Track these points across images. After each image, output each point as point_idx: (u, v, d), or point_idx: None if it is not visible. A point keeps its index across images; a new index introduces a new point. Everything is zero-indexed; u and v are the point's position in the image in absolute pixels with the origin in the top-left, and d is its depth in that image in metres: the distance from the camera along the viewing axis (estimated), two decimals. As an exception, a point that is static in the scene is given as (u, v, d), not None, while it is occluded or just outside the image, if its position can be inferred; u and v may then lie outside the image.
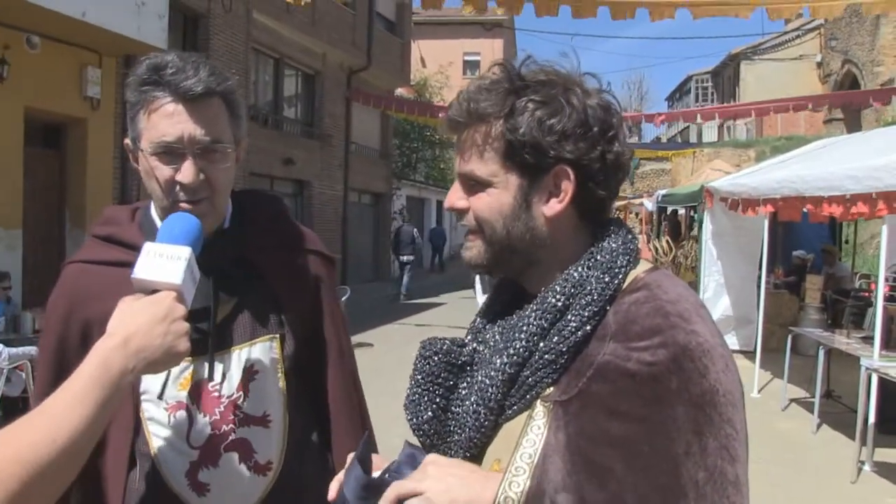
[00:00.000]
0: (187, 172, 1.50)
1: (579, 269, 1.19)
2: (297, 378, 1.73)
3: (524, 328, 1.18)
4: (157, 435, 1.61)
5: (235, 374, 1.63)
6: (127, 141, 1.59)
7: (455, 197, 1.26)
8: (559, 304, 1.17)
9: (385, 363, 10.83)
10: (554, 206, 1.20)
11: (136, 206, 1.74)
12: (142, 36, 10.19)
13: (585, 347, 1.14)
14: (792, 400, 8.55)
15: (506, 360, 1.17)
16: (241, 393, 1.63)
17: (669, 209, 18.46)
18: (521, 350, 1.17)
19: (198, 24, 14.66)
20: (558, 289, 1.18)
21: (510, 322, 1.24)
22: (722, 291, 11.13)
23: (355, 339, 12.56)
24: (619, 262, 1.19)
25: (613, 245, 1.21)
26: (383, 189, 24.37)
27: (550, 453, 1.09)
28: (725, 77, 44.00)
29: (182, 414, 1.61)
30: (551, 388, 1.15)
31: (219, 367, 1.60)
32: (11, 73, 9.59)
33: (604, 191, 1.21)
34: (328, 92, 20.02)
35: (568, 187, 1.19)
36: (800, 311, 11.54)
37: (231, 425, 1.62)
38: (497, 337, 1.25)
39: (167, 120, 1.49)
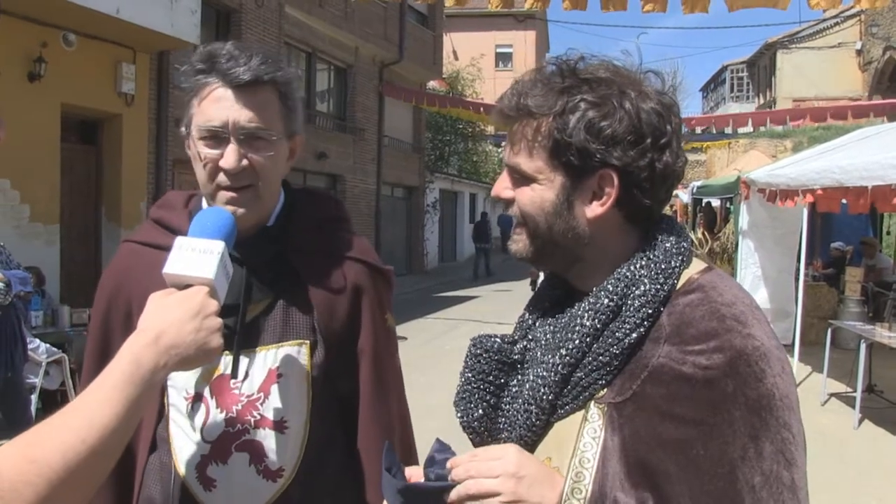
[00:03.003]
0: (230, 157, 1.49)
1: (631, 268, 1.18)
2: (326, 389, 1.65)
3: (577, 328, 1.17)
4: (175, 422, 1.60)
5: (258, 375, 1.59)
6: (182, 128, 1.59)
7: (501, 186, 1.26)
8: (612, 304, 1.15)
9: (418, 356, 10.84)
10: (595, 209, 1.18)
11: (194, 192, 1.72)
12: (175, 32, 10.28)
13: (639, 349, 1.13)
14: (832, 394, 8.39)
15: (558, 360, 1.17)
16: (261, 394, 1.59)
17: (704, 201, 18.23)
18: (574, 351, 1.16)
19: (230, 18, 14.75)
20: (611, 288, 1.17)
21: (562, 321, 1.23)
22: (759, 284, 10.93)
23: (388, 332, 12.59)
24: (672, 263, 1.17)
25: (667, 245, 1.19)
26: (416, 182, 24.37)
27: (608, 457, 1.10)
28: (761, 66, 43.34)
29: (200, 406, 1.58)
30: (605, 390, 1.14)
31: (242, 365, 1.57)
32: (49, 71, 9.71)
33: (649, 199, 1.18)
34: (360, 86, 20.04)
35: (611, 192, 1.17)
36: (839, 304, 11.32)
37: (246, 425, 1.58)
38: (549, 336, 1.24)
39: (214, 105, 1.50)
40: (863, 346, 7.47)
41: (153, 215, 1.69)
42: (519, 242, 1.25)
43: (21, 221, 9.65)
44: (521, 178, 1.21)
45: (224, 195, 1.52)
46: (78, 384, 5.15)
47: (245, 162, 1.50)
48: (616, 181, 1.15)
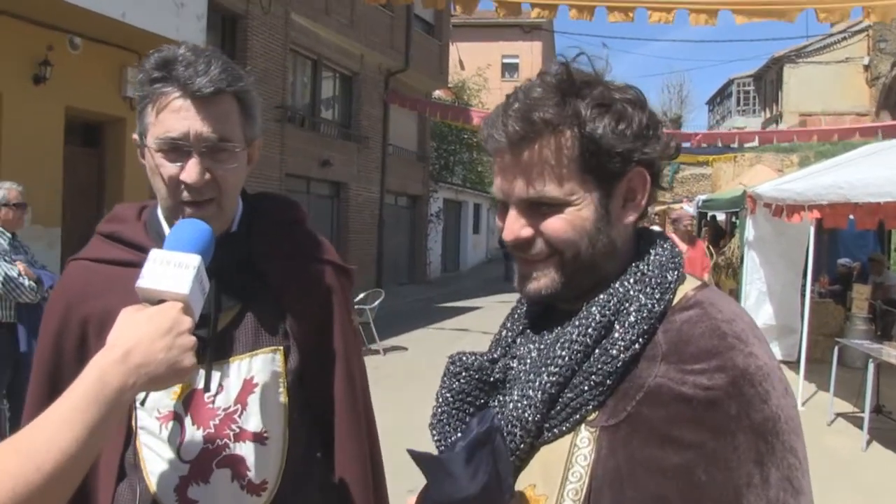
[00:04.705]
0: (192, 171, 1.42)
1: (625, 283, 1.11)
2: (301, 393, 1.62)
3: (566, 345, 1.08)
4: (147, 446, 1.51)
5: (233, 386, 1.53)
6: (135, 136, 1.51)
7: (518, 226, 1.12)
8: (604, 319, 1.08)
9: (419, 367, 10.77)
10: (631, 213, 1.13)
11: (145, 203, 1.65)
12: (180, 36, 10.19)
13: (634, 368, 1.05)
14: (838, 414, 8.28)
15: (546, 378, 1.08)
16: (238, 406, 1.53)
17: (709, 214, 18.16)
18: (563, 368, 1.07)
19: (236, 25, 14.73)
20: (602, 303, 1.09)
21: (547, 338, 1.15)
22: (764, 299, 10.85)
23: (389, 342, 12.48)
24: (668, 278, 1.11)
25: (662, 259, 1.13)
26: (420, 191, 24.32)
27: (599, 486, 1.01)
28: (768, 80, 43.31)
29: (174, 425, 1.50)
30: (596, 413, 1.06)
31: (215, 378, 1.49)
32: (54, 74, 9.71)
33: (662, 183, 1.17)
34: (366, 94, 20.02)
35: (644, 190, 1.12)
36: (846, 322, 11.21)
37: (225, 440, 1.51)
38: (534, 354, 1.16)
39: (174, 115, 1.41)
40: (871, 366, 7.35)
41: (104, 230, 1.61)
42: (544, 278, 1.13)
43: (22, 224, 9.61)
44: (548, 208, 1.10)
45: (186, 210, 1.45)
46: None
47: (207, 176, 1.44)
48: (648, 177, 1.12)
